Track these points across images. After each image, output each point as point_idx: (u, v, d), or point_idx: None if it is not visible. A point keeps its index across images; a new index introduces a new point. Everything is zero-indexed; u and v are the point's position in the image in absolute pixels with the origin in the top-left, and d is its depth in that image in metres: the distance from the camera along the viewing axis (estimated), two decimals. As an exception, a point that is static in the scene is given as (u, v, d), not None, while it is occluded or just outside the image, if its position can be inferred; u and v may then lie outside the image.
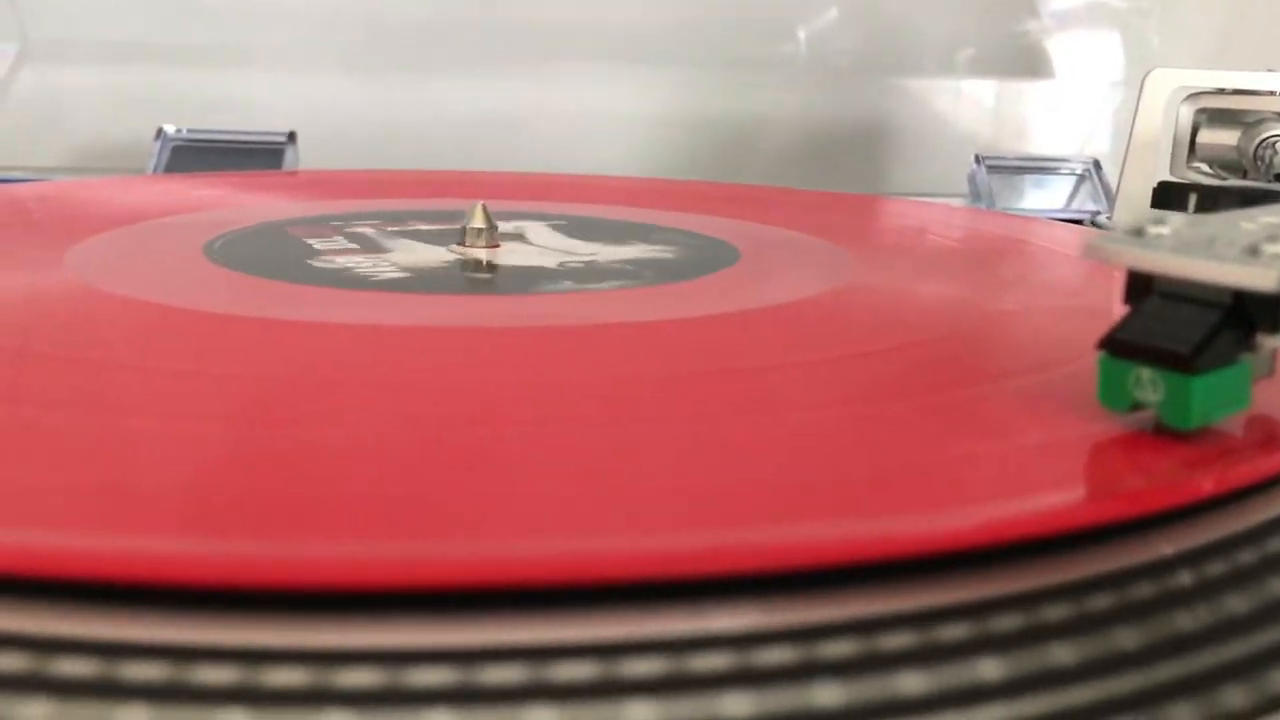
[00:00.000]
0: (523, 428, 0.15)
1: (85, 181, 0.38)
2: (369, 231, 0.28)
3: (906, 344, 0.19)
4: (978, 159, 0.47)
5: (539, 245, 0.27)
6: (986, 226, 0.36)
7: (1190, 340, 0.14)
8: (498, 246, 0.26)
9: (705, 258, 0.26)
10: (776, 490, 0.13)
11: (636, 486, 0.13)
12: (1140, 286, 0.15)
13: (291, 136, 0.46)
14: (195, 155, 0.45)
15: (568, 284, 0.23)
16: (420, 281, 0.23)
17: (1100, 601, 0.12)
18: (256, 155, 0.45)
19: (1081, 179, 0.47)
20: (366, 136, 0.52)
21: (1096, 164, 0.47)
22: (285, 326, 0.19)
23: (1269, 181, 0.34)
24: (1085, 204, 0.47)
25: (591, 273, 0.24)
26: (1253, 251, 0.14)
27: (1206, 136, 0.36)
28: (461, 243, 0.26)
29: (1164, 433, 0.14)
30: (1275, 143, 0.34)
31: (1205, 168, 0.36)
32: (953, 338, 0.20)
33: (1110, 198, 0.46)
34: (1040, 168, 0.48)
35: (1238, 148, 0.35)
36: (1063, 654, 0.11)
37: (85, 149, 0.50)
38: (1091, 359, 0.16)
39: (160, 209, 0.31)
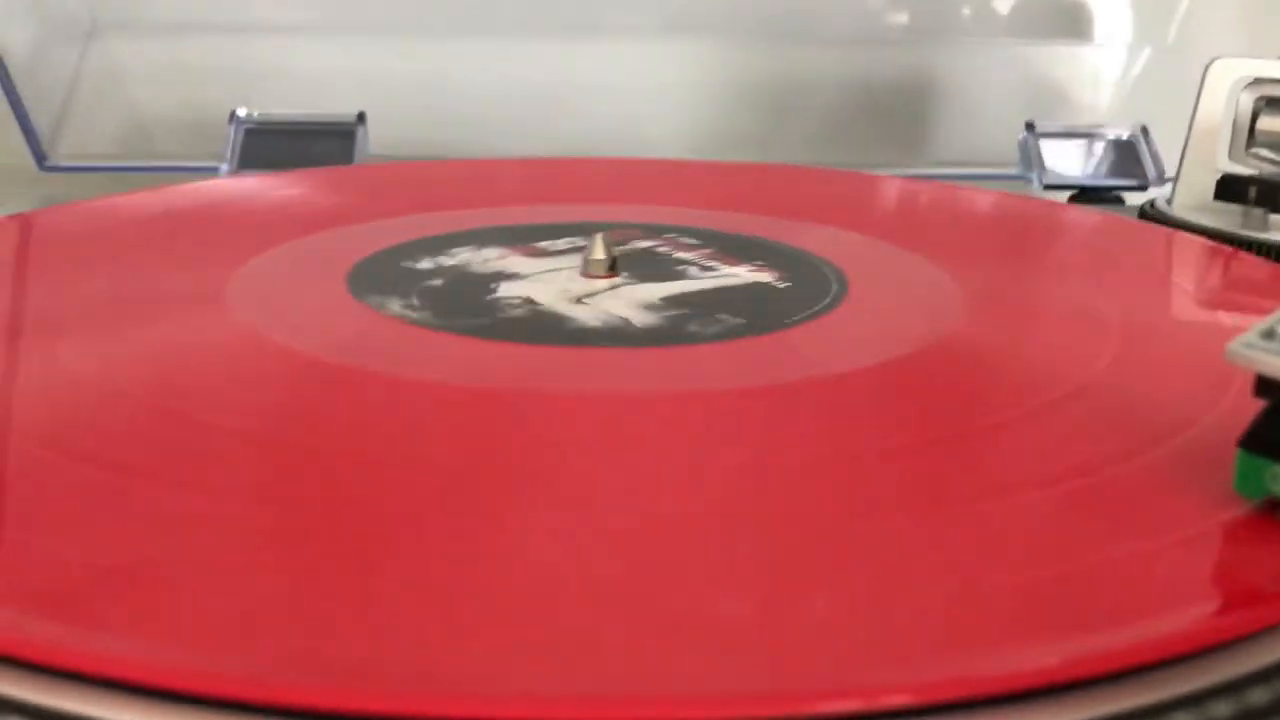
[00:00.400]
0: (669, 534, 0.15)
1: (209, 185, 0.39)
2: (489, 258, 0.29)
3: (1018, 416, 0.20)
4: (1029, 126, 0.48)
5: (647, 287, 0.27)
6: (1098, 238, 0.35)
7: (1324, 445, 0.16)
8: (616, 276, 0.27)
9: (804, 294, 0.26)
10: (939, 610, 0.14)
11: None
12: (1272, 383, 0.17)
13: (361, 117, 0.47)
14: (268, 138, 0.46)
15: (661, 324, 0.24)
16: (527, 331, 0.23)
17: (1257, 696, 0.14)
18: (328, 137, 0.47)
19: (1131, 146, 0.48)
20: (423, 107, 0.52)
21: (1144, 130, 0.48)
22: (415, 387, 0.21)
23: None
24: (1133, 170, 0.48)
25: (690, 324, 0.24)
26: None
27: (1266, 123, 0.37)
28: (584, 273, 0.28)
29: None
30: (1334, 131, 0.35)
31: (1266, 153, 0.37)
32: (1075, 399, 0.20)
33: (1158, 165, 0.47)
34: (1089, 134, 0.49)
35: (1297, 136, 0.36)
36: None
37: (154, 131, 0.51)
38: (1211, 420, 0.18)
39: (289, 221, 0.33)
